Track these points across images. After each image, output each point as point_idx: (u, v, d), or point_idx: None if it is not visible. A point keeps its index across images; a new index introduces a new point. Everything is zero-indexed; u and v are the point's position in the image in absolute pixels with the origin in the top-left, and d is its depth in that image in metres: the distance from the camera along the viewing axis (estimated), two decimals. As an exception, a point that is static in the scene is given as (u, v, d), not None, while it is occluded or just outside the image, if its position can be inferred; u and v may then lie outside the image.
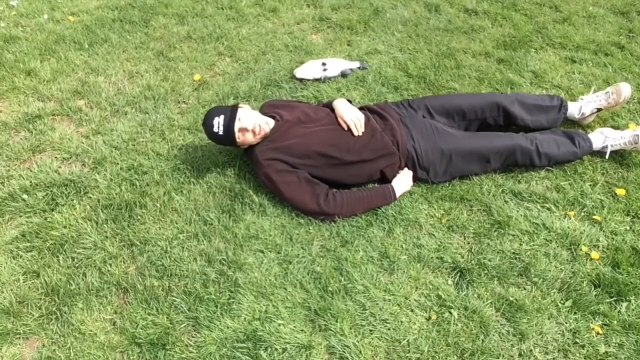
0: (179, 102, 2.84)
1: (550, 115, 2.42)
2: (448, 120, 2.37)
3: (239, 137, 2.16)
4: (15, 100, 2.86)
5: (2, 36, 3.37)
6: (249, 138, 2.18)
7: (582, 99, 2.48)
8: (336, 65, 2.94)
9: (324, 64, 2.91)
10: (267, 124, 2.21)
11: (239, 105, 2.26)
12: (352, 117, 2.20)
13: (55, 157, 2.49)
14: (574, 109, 2.46)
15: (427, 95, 2.48)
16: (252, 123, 2.15)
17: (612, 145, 2.30)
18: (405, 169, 2.24)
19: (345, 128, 2.20)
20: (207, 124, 2.17)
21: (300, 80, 2.92)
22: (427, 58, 3.05)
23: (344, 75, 2.95)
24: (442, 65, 2.98)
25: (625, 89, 2.38)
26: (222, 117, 2.14)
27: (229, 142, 2.18)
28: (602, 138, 2.32)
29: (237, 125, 2.13)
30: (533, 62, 2.99)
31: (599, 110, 2.45)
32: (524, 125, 2.39)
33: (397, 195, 2.17)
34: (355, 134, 2.19)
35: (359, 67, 2.99)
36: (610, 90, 2.43)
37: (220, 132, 2.13)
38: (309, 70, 2.92)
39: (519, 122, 2.37)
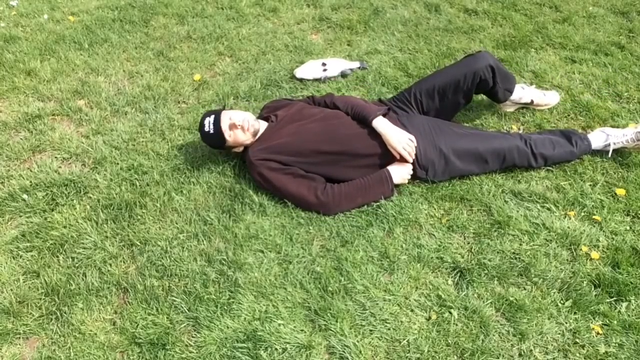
0: (179, 102, 2.84)
1: (509, 86, 2.43)
2: (441, 101, 2.36)
3: (230, 135, 2.20)
4: (15, 100, 2.86)
5: (2, 36, 3.37)
6: (240, 136, 2.21)
7: (523, 88, 2.54)
8: (336, 65, 2.94)
9: (324, 64, 2.91)
10: (257, 121, 2.26)
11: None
12: (404, 145, 2.14)
13: (55, 157, 2.49)
14: (516, 92, 2.50)
15: (412, 84, 2.44)
16: (241, 119, 2.20)
17: (614, 143, 2.30)
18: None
19: (398, 157, 2.17)
20: (200, 124, 2.24)
21: (300, 80, 2.92)
22: (427, 58, 3.05)
23: (343, 75, 2.95)
24: (442, 65, 2.97)
25: (555, 99, 2.62)
26: (212, 116, 2.21)
27: (219, 140, 2.22)
28: (603, 136, 2.32)
29: (226, 122, 2.19)
30: (533, 62, 2.99)
31: (530, 103, 2.57)
32: (494, 92, 2.40)
33: (394, 179, 2.15)
34: (410, 160, 2.16)
35: (359, 67, 2.99)
36: (546, 93, 2.62)
37: (211, 131, 2.19)
38: (309, 70, 2.92)
39: (495, 88, 2.37)
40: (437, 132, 2.25)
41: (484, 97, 2.69)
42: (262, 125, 2.29)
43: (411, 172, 2.21)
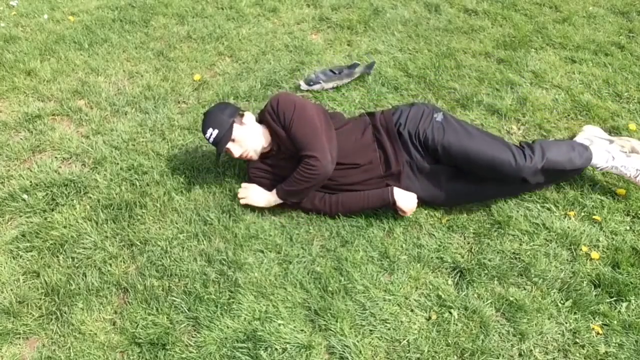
0: (179, 102, 2.84)
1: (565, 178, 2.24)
2: (463, 167, 2.09)
3: (225, 150, 2.13)
4: (15, 100, 2.86)
5: (2, 36, 3.37)
6: (234, 156, 2.15)
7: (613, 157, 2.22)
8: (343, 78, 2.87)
9: (333, 87, 2.83)
10: (255, 152, 2.15)
11: (241, 114, 2.16)
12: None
13: (55, 157, 2.49)
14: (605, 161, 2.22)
15: (448, 134, 2.05)
16: (241, 152, 2.13)
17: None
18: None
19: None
20: (203, 128, 2.11)
21: (308, 83, 2.85)
22: (427, 58, 3.05)
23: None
24: (442, 65, 2.98)
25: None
26: (216, 131, 2.08)
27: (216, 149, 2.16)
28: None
29: (229, 144, 2.10)
30: (533, 62, 2.99)
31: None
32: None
33: (395, 197, 2.04)
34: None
35: (366, 72, 2.93)
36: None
37: (211, 142, 2.10)
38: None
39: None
40: (447, 191, 2.11)
41: (484, 99, 2.68)
42: (262, 146, 2.16)
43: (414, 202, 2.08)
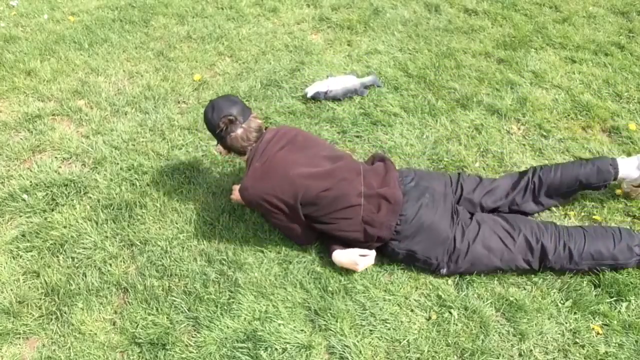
0: (179, 102, 2.84)
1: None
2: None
3: None
4: (15, 100, 2.86)
5: (2, 36, 3.37)
6: None
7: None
8: (342, 83, 2.77)
9: (327, 91, 2.73)
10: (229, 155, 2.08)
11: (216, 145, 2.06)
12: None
13: (55, 157, 2.49)
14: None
15: (464, 257, 1.86)
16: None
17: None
18: (365, 251, 1.90)
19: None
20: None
21: (313, 98, 2.76)
22: (427, 58, 3.05)
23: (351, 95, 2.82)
24: (442, 65, 2.98)
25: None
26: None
27: None
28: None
29: None
30: (533, 62, 2.99)
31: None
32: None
33: (334, 260, 1.91)
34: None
35: (372, 84, 2.85)
36: None
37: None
38: (317, 86, 2.76)
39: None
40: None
41: (484, 99, 2.68)
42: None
43: (364, 264, 1.90)
